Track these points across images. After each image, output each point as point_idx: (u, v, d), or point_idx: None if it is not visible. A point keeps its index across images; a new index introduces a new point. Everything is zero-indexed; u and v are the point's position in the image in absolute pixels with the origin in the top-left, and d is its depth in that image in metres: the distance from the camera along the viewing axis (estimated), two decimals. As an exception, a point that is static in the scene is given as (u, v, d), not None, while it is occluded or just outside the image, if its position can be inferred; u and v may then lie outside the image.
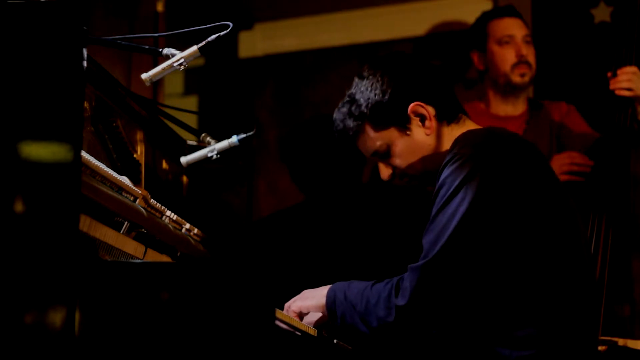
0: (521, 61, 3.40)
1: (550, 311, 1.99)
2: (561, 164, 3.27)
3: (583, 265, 2.10)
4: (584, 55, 3.76)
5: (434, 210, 2.05)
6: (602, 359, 2.88)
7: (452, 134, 2.20)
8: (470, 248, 1.98)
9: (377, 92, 2.21)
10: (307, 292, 2.25)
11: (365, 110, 2.23)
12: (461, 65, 3.70)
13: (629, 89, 3.10)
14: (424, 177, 2.25)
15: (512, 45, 3.40)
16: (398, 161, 2.25)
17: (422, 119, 2.21)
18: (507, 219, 2.00)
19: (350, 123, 2.26)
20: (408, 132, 2.22)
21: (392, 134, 2.23)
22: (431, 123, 2.21)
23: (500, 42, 3.41)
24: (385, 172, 2.29)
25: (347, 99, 2.28)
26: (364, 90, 2.24)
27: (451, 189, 2.02)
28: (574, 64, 3.77)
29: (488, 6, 3.84)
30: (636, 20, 3.15)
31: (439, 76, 2.28)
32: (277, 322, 1.76)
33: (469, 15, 3.68)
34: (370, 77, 2.24)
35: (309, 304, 2.21)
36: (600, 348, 2.88)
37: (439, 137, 2.22)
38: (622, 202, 3.07)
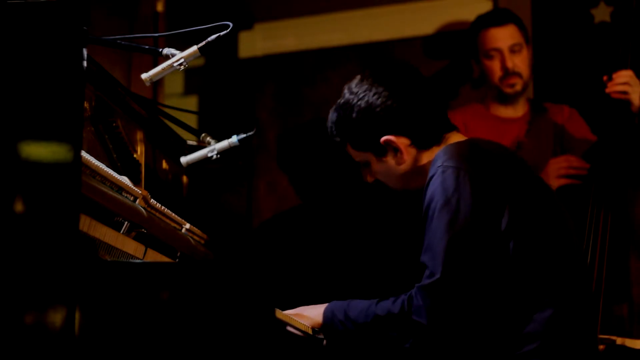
0: (508, 73, 3.41)
1: (547, 307, 2.01)
2: (558, 167, 3.28)
3: (575, 263, 2.12)
4: (584, 56, 3.76)
5: (429, 225, 2.05)
6: (601, 358, 2.88)
7: (431, 156, 2.21)
8: (473, 255, 1.98)
9: (354, 117, 2.24)
10: (303, 310, 2.24)
11: (345, 131, 2.28)
12: (469, 66, 3.70)
13: (624, 92, 3.11)
14: (404, 192, 2.31)
15: (498, 59, 3.41)
16: (378, 177, 2.32)
17: (395, 150, 2.23)
18: (499, 223, 2.01)
19: (336, 135, 2.32)
20: (383, 159, 2.26)
21: (369, 156, 2.29)
22: (403, 154, 2.23)
23: (487, 56, 3.43)
24: (369, 178, 2.36)
25: (336, 107, 2.31)
26: (346, 109, 2.26)
27: (441, 202, 2.03)
28: (574, 64, 3.77)
29: (488, 6, 3.84)
30: (632, 24, 3.16)
31: (423, 101, 2.25)
32: (278, 323, 1.76)
33: (473, 14, 3.67)
34: (353, 97, 2.26)
35: (306, 322, 2.20)
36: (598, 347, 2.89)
37: (416, 163, 2.25)
38: (620, 203, 3.06)
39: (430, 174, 2.10)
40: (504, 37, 3.43)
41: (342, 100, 2.28)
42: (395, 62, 2.32)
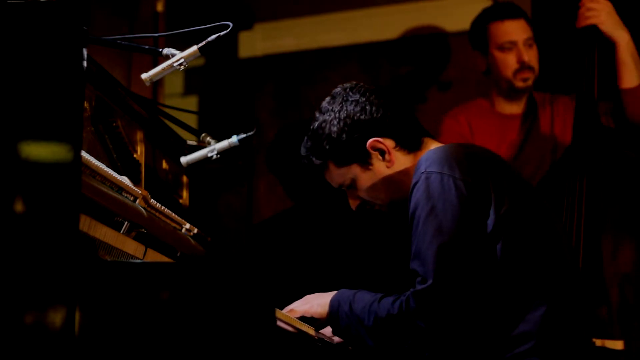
0: (523, 67, 3.38)
1: (540, 306, 2.01)
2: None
3: (565, 262, 2.13)
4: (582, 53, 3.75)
5: (416, 232, 2.05)
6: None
7: (414, 160, 2.23)
8: (463, 259, 1.99)
9: (335, 130, 2.24)
10: (310, 298, 2.25)
11: (327, 149, 2.26)
12: (434, 69, 3.70)
13: (596, 17, 3.07)
14: (391, 206, 2.30)
15: (514, 51, 3.38)
16: (364, 193, 2.30)
17: (382, 153, 2.24)
18: (485, 225, 2.02)
19: (315, 159, 2.31)
20: (370, 167, 2.25)
21: (355, 169, 2.27)
22: (391, 156, 2.24)
23: (502, 48, 3.39)
24: (353, 203, 2.35)
25: (310, 133, 2.31)
26: (324, 127, 2.26)
27: (427, 208, 2.03)
28: (573, 62, 3.76)
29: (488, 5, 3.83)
30: None
31: (397, 105, 2.27)
32: (278, 322, 1.76)
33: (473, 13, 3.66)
34: (329, 113, 2.27)
35: (314, 310, 2.21)
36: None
37: (401, 166, 2.25)
38: (595, 205, 3.04)
39: (414, 181, 2.10)
40: (518, 30, 3.39)
41: (316, 124, 2.29)
42: (355, 85, 2.31)
